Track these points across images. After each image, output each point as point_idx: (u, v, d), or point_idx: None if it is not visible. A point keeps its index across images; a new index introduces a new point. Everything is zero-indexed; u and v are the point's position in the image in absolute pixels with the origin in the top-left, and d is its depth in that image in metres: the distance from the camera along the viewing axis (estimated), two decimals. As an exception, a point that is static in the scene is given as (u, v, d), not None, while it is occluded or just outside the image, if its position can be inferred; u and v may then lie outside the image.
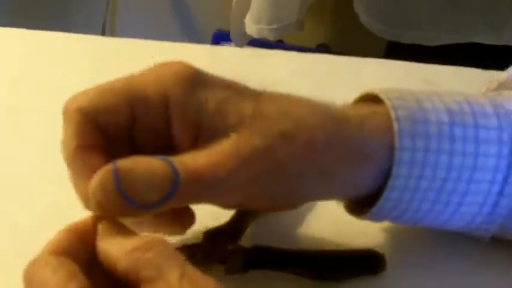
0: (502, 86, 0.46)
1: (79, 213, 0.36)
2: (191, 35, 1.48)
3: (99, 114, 0.37)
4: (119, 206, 0.34)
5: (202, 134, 0.38)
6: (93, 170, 0.35)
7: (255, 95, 0.39)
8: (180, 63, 0.38)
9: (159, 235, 0.34)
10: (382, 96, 0.41)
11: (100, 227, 0.35)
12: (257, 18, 1.01)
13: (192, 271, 0.32)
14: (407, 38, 1.03)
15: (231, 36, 1.10)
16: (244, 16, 1.05)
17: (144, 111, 0.38)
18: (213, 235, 0.43)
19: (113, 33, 1.48)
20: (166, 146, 0.38)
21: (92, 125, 0.37)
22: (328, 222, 0.47)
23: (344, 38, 1.28)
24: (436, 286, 0.43)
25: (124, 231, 0.35)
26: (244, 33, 1.04)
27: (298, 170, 0.38)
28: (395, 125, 0.39)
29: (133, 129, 0.38)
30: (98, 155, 0.38)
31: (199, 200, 0.37)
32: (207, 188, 0.36)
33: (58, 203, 0.45)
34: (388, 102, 0.40)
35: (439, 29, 1.03)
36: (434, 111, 0.41)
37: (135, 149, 0.39)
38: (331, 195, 0.41)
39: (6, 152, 0.52)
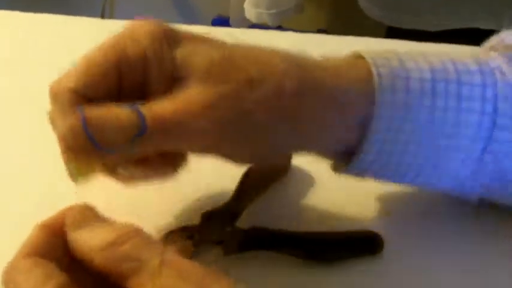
0: (492, 49, 0.45)
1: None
2: (190, 21, 1.48)
3: (88, 89, 0.38)
4: (87, 149, 0.36)
5: (175, 86, 0.38)
6: None
7: (224, 45, 0.39)
8: (152, 22, 0.39)
9: (131, 224, 0.33)
10: (365, 54, 0.41)
11: (68, 218, 0.33)
12: (256, 3, 1.01)
13: (172, 256, 0.32)
14: (407, 23, 1.03)
15: (231, 22, 1.10)
16: (243, 1, 1.04)
17: (127, 73, 0.38)
18: (211, 217, 0.43)
19: (112, 17, 1.47)
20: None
21: (83, 100, 0.38)
22: (325, 204, 0.47)
23: (343, 23, 1.27)
24: (434, 265, 0.44)
25: (95, 219, 0.33)
26: (244, 19, 1.04)
27: (265, 117, 0.38)
28: (376, 80, 0.39)
29: (119, 91, 0.39)
30: None
31: (166, 144, 0.37)
32: (173, 133, 0.37)
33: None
34: (370, 60, 0.40)
35: (438, 15, 1.03)
36: (417, 69, 0.41)
37: None
38: (305, 145, 0.41)
39: (7, 131, 0.52)
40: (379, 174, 0.43)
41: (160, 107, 0.37)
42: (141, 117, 0.36)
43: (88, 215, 0.34)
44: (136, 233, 0.32)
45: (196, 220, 0.43)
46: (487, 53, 0.44)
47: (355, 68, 0.41)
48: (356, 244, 0.45)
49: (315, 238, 0.44)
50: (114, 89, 0.39)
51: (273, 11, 1.00)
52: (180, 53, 0.38)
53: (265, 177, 0.46)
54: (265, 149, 0.40)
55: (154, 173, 0.41)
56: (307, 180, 0.48)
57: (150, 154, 0.39)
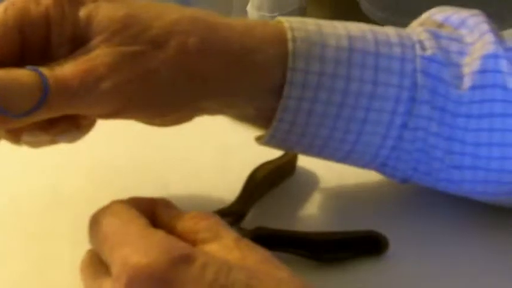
0: (421, 24, 0.44)
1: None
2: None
3: None
4: None
5: (79, 48, 0.38)
6: None
7: (127, 3, 0.39)
8: None
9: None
10: (283, 19, 0.40)
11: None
12: (259, 5, 1.02)
13: (246, 240, 0.34)
14: (408, 25, 1.03)
15: (233, 24, 1.10)
16: (246, 4, 1.05)
17: (30, 34, 0.38)
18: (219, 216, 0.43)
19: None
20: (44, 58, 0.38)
21: None
22: (330, 205, 0.47)
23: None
24: (439, 266, 0.44)
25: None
26: (246, 21, 1.04)
27: (170, 75, 0.38)
28: (290, 45, 0.39)
29: (21, 55, 0.38)
30: None
31: (71, 108, 0.37)
32: (77, 95, 0.36)
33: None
34: (286, 24, 0.40)
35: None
36: (334, 36, 0.40)
37: None
38: (222, 106, 0.41)
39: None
40: (298, 146, 0.42)
41: (63, 69, 0.36)
42: (43, 78, 0.36)
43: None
44: (217, 217, 0.35)
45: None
46: (413, 28, 0.43)
47: (269, 29, 0.40)
48: (361, 244, 0.45)
49: (320, 238, 0.44)
50: (16, 52, 0.38)
51: (276, 13, 1.00)
52: (82, 12, 0.37)
53: (271, 178, 0.47)
54: (172, 107, 0.39)
55: (61, 136, 0.40)
56: (312, 181, 0.48)
57: (55, 117, 0.38)
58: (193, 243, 0.34)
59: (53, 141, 0.40)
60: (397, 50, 0.40)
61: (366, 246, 0.45)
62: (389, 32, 0.41)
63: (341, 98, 0.39)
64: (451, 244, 0.45)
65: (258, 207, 0.46)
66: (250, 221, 0.45)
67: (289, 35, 0.39)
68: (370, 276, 0.43)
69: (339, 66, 0.39)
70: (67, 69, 0.36)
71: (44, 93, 0.36)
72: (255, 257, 0.33)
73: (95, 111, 0.38)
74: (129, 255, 0.31)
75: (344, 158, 0.43)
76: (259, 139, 0.43)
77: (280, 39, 0.39)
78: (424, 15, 0.46)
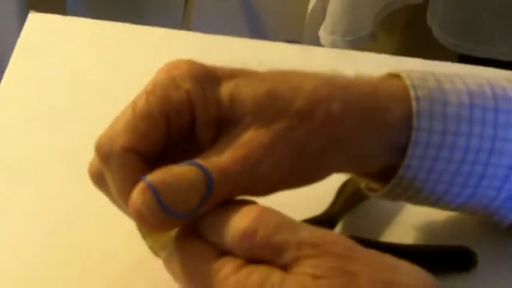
0: None
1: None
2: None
3: (140, 144, 0.36)
4: (162, 219, 0.34)
5: (222, 130, 0.37)
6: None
7: (264, 77, 0.38)
8: (185, 61, 0.37)
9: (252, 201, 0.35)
10: (403, 74, 0.40)
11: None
12: (332, 29, 1.03)
13: (309, 234, 0.34)
14: (480, 52, 1.03)
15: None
16: (318, 27, 1.06)
17: (175, 120, 0.37)
18: (310, 224, 0.44)
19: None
20: (192, 150, 0.37)
21: (136, 157, 0.36)
22: (420, 219, 0.47)
23: (415, 51, 1.28)
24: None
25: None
26: (317, 45, 1.06)
27: (319, 144, 0.37)
28: (414, 105, 0.39)
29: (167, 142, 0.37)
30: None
31: (233, 195, 0.36)
32: (238, 182, 0.35)
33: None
34: (408, 81, 0.40)
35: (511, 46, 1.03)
36: (454, 92, 0.40)
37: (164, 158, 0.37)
38: (350, 165, 0.40)
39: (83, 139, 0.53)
40: (412, 200, 0.42)
41: (221, 158, 0.35)
42: (206, 173, 0.35)
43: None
44: (263, 213, 0.34)
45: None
46: None
47: (393, 87, 0.40)
48: (450, 259, 0.45)
49: (412, 250, 0.44)
50: (162, 142, 0.37)
51: (349, 38, 1.01)
52: (223, 92, 0.37)
53: (361, 189, 0.47)
54: (319, 174, 0.39)
55: None
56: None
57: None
58: (262, 260, 0.33)
59: None
60: None
61: (456, 261, 0.45)
62: (506, 85, 0.42)
63: (462, 155, 0.40)
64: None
65: (348, 217, 0.46)
66: (341, 230, 0.45)
67: (412, 94, 0.39)
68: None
69: (461, 124, 0.40)
70: (226, 158, 0.35)
71: (209, 187, 0.35)
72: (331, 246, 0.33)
73: (253, 192, 0.37)
74: None
75: (456, 209, 0.44)
76: (370, 190, 0.43)
77: (403, 97, 0.39)
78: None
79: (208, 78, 0.37)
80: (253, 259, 0.33)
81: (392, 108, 0.39)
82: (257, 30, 1.48)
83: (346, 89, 0.39)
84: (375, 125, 0.39)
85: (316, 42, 1.07)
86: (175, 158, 0.36)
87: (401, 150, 0.39)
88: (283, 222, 0.34)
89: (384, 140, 0.39)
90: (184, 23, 1.43)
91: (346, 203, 0.46)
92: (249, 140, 0.36)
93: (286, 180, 0.38)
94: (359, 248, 0.33)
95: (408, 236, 0.46)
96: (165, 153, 0.37)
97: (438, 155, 0.39)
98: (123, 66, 0.57)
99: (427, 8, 1.05)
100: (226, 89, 0.37)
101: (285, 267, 0.33)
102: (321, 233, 0.34)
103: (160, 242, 0.37)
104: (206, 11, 1.48)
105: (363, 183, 0.43)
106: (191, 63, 0.37)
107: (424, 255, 0.45)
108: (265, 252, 0.33)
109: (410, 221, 0.47)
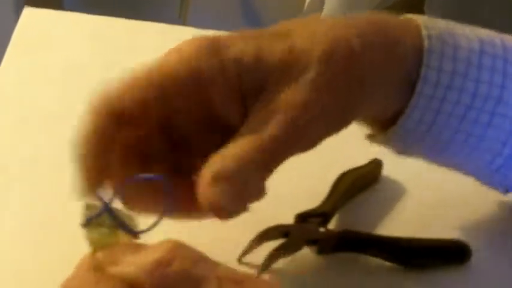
0: None
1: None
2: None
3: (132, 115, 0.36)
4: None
5: (247, 101, 0.36)
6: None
7: (280, 34, 0.38)
8: (194, 39, 0.37)
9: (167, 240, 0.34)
10: (415, 17, 0.40)
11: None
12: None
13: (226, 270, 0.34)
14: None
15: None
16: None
17: (179, 96, 0.36)
18: (305, 217, 0.44)
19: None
20: (214, 132, 0.37)
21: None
22: (414, 213, 0.47)
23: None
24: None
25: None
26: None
27: (344, 84, 0.37)
28: (425, 42, 0.39)
29: (169, 120, 0.37)
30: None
31: (285, 159, 0.37)
32: (289, 145, 0.36)
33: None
34: (419, 21, 0.40)
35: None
36: (465, 38, 0.40)
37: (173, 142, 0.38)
38: (371, 108, 0.39)
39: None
40: (416, 147, 0.41)
41: (269, 129, 0.35)
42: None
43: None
44: (180, 247, 0.33)
45: (290, 220, 0.44)
46: None
47: (403, 22, 0.40)
48: (444, 252, 0.45)
49: (407, 244, 0.44)
50: (159, 115, 0.37)
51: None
52: (247, 53, 0.36)
53: (357, 184, 0.47)
54: (350, 115, 0.39)
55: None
56: (396, 189, 0.49)
57: None
58: None
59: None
60: None
61: (449, 254, 0.45)
62: None
63: (470, 100, 0.39)
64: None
65: (343, 211, 0.46)
66: (336, 223, 0.46)
67: (424, 32, 0.39)
68: (452, 284, 0.44)
69: (470, 68, 0.39)
70: (272, 127, 0.35)
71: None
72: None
73: (299, 151, 0.37)
74: None
75: (460, 164, 0.43)
76: (371, 137, 0.42)
77: (416, 34, 0.39)
78: None
79: (219, 46, 0.36)
80: None
81: (406, 41, 0.39)
82: (254, 25, 1.48)
83: (360, 25, 0.38)
84: (391, 56, 0.38)
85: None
86: (204, 150, 0.36)
87: (408, 89, 0.39)
88: (202, 258, 0.34)
89: (401, 72, 0.39)
90: (181, 18, 1.43)
91: (341, 197, 0.46)
92: (284, 101, 0.36)
93: (325, 130, 0.38)
94: None
95: (402, 230, 0.46)
96: (192, 148, 0.37)
97: (446, 96, 0.39)
98: (119, 62, 0.57)
99: (424, 3, 1.05)
100: (248, 50, 0.36)
101: None
102: (241, 272, 0.34)
103: (105, 241, 0.36)
104: (203, 5, 1.48)
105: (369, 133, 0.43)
106: (197, 39, 0.37)
107: (419, 249, 0.45)
108: (182, 286, 0.32)
109: (405, 215, 0.47)
